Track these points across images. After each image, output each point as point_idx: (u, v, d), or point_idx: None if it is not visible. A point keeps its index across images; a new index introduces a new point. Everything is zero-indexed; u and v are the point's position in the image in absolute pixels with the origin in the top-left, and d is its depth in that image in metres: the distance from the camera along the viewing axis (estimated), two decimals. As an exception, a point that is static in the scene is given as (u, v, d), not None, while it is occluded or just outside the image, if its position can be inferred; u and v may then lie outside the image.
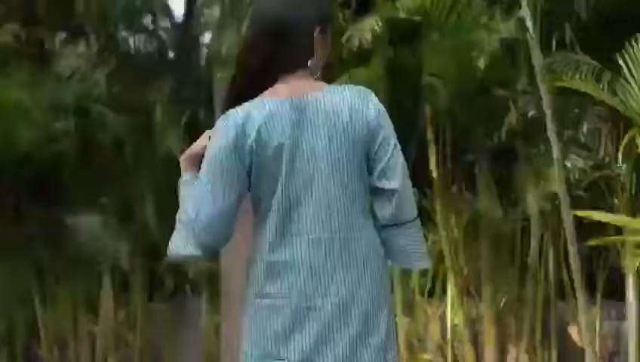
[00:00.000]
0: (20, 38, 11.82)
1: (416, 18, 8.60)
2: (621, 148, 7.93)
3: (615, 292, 9.36)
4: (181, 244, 3.00)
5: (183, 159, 3.12)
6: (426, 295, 10.15)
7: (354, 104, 2.92)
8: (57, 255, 11.53)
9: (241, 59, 3.01)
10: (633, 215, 8.46)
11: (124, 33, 11.53)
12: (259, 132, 2.86)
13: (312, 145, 2.88)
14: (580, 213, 7.94)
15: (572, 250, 8.69)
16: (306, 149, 2.88)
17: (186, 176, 3.06)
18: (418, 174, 6.91)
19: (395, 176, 2.94)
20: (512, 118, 8.74)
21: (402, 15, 8.59)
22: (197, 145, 3.09)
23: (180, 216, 3.03)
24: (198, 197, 2.93)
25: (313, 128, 2.90)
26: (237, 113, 2.89)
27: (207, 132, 3.09)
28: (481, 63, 8.89)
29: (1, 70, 11.21)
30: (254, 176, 2.91)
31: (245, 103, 2.90)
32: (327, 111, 2.91)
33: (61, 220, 11.26)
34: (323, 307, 2.88)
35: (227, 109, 2.96)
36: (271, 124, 2.87)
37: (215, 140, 2.91)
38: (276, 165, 2.88)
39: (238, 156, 2.88)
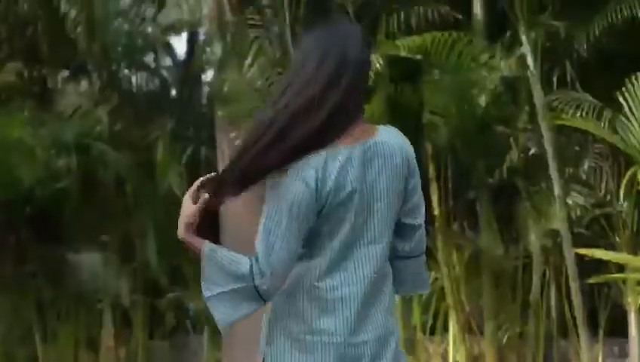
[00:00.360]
0: (23, 76, 11.85)
1: (417, 56, 8.55)
2: (622, 186, 7.88)
3: (618, 329, 9.28)
4: (230, 311, 2.95)
5: (184, 233, 3.06)
6: (427, 332, 10.07)
7: (401, 145, 3.00)
8: (58, 292, 11.48)
9: (305, 108, 2.88)
10: (635, 252, 8.41)
11: (126, 71, 11.52)
12: (336, 178, 2.87)
13: (377, 188, 2.94)
14: (582, 251, 7.90)
15: (574, 286, 8.68)
16: (372, 192, 2.93)
17: (206, 249, 3.00)
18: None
19: (421, 213, 3.07)
20: (513, 156, 8.69)
21: (403, 54, 8.54)
22: (187, 214, 3.06)
23: (213, 287, 2.96)
24: (268, 245, 2.88)
25: (378, 171, 2.94)
26: (316, 160, 2.87)
27: (186, 198, 3.07)
28: (482, 101, 8.87)
29: (4, 108, 11.21)
30: (321, 218, 2.92)
31: (319, 150, 2.88)
32: (385, 153, 2.96)
33: (62, 257, 11.20)
34: (368, 342, 2.94)
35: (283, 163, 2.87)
36: (345, 170, 2.88)
37: (294, 187, 2.87)
38: (345, 209, 2.91)
39: (316, 202, 2.88)
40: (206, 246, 3.00)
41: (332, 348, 2.91)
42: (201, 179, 3.09)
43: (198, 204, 3.06)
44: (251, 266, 2.88)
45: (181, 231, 3.07)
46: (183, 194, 7.38)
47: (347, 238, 2.93)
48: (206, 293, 2.97)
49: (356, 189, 2.89)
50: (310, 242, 2.95)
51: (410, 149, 3.02)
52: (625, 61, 8.50)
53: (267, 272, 2.87)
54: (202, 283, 2.98)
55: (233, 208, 10.66)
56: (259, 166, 2.91)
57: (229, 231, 10.66)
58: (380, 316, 2.97)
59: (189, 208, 3.06)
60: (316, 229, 2.93)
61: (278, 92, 2.95)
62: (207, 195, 3.04)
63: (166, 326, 11.54)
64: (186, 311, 11.10)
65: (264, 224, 2.90)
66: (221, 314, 2.96)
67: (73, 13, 9.64)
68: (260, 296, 2.91)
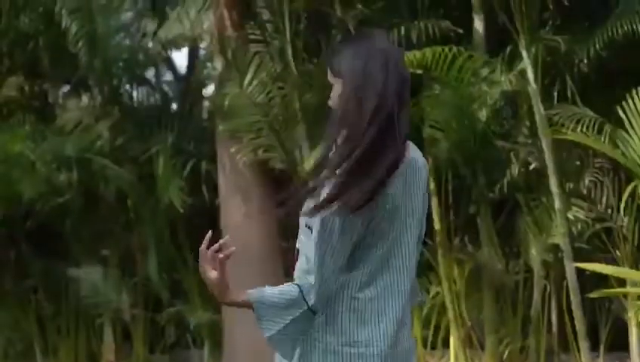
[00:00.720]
0: (24, 90, 11.83)
1: (418, 71, 8.53)
2: (623, 200, 7.84)
3: (619, 343, 9.23)
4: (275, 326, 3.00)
5: (225, 298, 3.07)
6: (428, 346, 10.01)
7: (424, 161, 3.11)
8: (59, 306, 11.44)
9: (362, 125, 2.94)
10: (635, 267, 8.37)
11: (127, 86, 11.50)
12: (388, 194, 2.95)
13: (412, 204, 3.03)
14: (582, 266, 7.87)
15: (575, 301, 8.64)
16: (410, 208, 3.02)
17: (252, 297, 3.01)
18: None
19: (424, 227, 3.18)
20: (513, 170, 8.67)
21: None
22: (215, 283, 3.06)
23: (272, 325, 3.00)
24: (320, 256, 2.94)
25: (415, 188, 3.03)
26: None
27: (205, 267, 3.07)
28: (483, 116, 8.85)
29: (5, 123, 11.20)
30: (366, 231, 2.97)
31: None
32: (419, 170, 3.05)
33: (63, 272, 11.15)
34: (402, 351, 3.03)
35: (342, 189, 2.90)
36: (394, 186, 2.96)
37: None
38: (389, 223, 2.98)
39: (366, 219, 2.94)
40: (250, 295, 3.01)
41: (371, 360, 2.94)
42: (210, 247, 3.08)
43: (218, 272, 3.05)
44: (300, 289, 2.94)
45: (222, 299, 3.08)
46: (183, 208, 7.40)
47: (386, 251, 3.00)
48: (266, 334, 2.99)
49: (400, 205, 2.98)
50: (352, 254, 2.99)
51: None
52: (625, 76, 8.49)
53: (318, 285, 2.91)
54: (259, 325, 2.99)
55: (233, 220, 10.57)
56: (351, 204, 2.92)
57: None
58: (407, 329, 3.07)
59: (212, 276, 3.06)
60: (359, 241, 2.98)
61: (350, 109, 2.99)
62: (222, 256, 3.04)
63: (166, 341, 11.47)
64: (186, 325, 11.03)
65: (318, 235, 2.93)
66: (288, 348, 3.01)
67: (74, 28, 9.59)
68: (313, 313, 2.97)
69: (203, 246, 3.08)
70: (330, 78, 3.15)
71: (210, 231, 3.11)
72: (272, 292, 2.99)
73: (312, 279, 2.93)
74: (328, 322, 2.98)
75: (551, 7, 8.65)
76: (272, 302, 2.97)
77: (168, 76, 12.48)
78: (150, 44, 11.75)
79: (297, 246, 3.17)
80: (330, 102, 3.15)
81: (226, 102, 9.62)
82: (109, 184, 10.54)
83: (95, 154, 10.50)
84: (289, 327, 2.97)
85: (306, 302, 2.93)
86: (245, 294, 3.01)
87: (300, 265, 3.08)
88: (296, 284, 2.96)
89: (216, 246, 3.09)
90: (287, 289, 2.97)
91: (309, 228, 3.05)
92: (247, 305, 3.01)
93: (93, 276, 10.79)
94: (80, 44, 9.69)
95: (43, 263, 11.57)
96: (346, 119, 2.99)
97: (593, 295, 7.46)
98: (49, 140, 10.23)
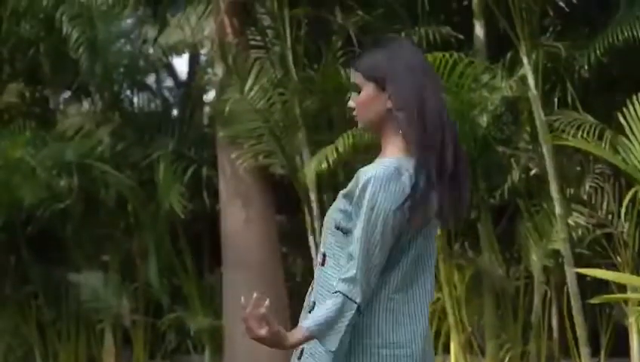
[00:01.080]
0: (25, 96, 11.80)
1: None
2: (624, 206, 7.82)
3: (620, 349, 9.20)
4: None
5: (287, 345, 3.03)
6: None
7: None
8: (59, 312, 11.41)
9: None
10: (636, 272, 8.34)
11: (127, 92, 11.47)
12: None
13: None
14: (582, 271, 7.84)
15: (575, 306, 8.61)
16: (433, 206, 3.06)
17: (305, 329, 3.01)
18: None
19: None
20: (514, 176, 8.64)
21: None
22: (263, 333, 3.00)
23: (333, 339, 3.00)
24: (364, 252, 2.99)
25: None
26: (405, 170, 3.03)
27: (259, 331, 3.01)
28: (483, 121, 8.83)
29: (6, 129, 11.16)
30: (402, 229, 3.04)
31: (399, 161, 3.06)
32: None
33: (63, 277, 11.12)
34: (430, 350, 3.11)
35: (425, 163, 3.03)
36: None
37: (393, 198, 3.00)
38: (424, 222, 3.05)
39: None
40: (306, 328, 3.00)
41: (404, 361, 3.00)
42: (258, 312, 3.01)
43: (268, 328, 3.00)
44: (343, 295, 2.94)
45: (283, 348, 3.05)
46: (184, 213, 7.38)
47: (417, 251, 3.06)
48: (332, 348, 2.99)
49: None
50: (390, 253, 3.04)
51: None
52: (626, 82, 8.47)
53: (363, 281, 2.94)
54: (324, 346, 2.98)
55: (233, 226, 10.50)
56: None
57: (230, 248, 10.57)
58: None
59: (264, 333, 3.01)
60: (396, 240, 3.04)
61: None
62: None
63: (167, 346, 11.44)
64: (187, 331, 10.99)
65: (363, 232, 2.98)
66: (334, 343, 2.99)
67: (75, 34, 9.55)
68: (359, 313, 2.98)
69: (246, 312, 3.01)
70: (359, 81, 3.21)
71: (253, 296, 3.03)
72: (321, 311, 2.99)
73: (352, 273, 2.96)
74: (365, 323, 3.02)
75: (551, 13, 8.62)
76: (327, 318, 2.96)
77: (169, 82, 12.44)
78: (151, 50, 11.72)
79: (322, 250, 3.18)
80: (355, 105, 3.24)
81: (227, 108, 9.58)
82: (109, 190, 10.49)
83: (95, 159, 10.46)
84: (347, 333, 2.98)
85: (354, 301, 2.95)
86: (301, 330, 3.00)
87: (330, 270, 3.11)
88: (336, 292, 2.97)
89: (255, 307, 3.02)
90: (331, 301, 2.98)
91: (339, 229, 3.09)
92: (309, 338, 3.01)
93: (93, 281, 10.76)
94: (81, 50, 9.61)
95: (43, 269, 11.54)
96: (417, 120, 3.09)
97: (594, 301, 7.43)
98: (49, 146, 10.19)
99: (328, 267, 3.14)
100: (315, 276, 3.21)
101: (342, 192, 3.15)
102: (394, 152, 3.14)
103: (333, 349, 2.98)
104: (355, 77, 3.25)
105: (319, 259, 3.20)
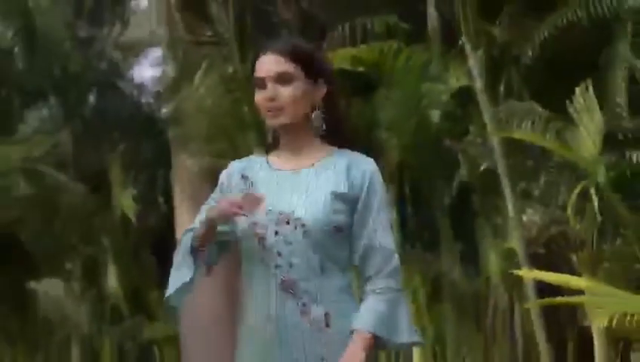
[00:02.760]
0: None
1: (361, 69, 8.07)
2: (572, 199, 7.30)
3: (587, 350, 8.67)
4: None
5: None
6: (392, 359, 9.55)
7: None
8: (26, 320, 11.15)
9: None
10: (594, 273, 7.80)
11: (86, 95, 11.16)
12: None
13: None
14: (534, 275, 7.36)
15: (534, 310, 8.12)
16: None
17: (376, 330, 2.95)
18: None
19: None
20: (464, 171, 8.15)
21: (347, 66, 8.05)
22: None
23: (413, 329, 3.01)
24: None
25: None
26: None
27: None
28: (434, 114, 8.38)
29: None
30: None
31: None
32: None
33: (25, 286, 10.84)
34: None
35: None
36: None
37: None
38: None
39: None
40: (374, 331, 2.91)
41: None
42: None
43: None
44: (395, 291, 2.90)
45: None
46: (136, 217, 7.04)
47: None
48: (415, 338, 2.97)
49: None
50: None
51: None
52: (573, 68, 7.98)
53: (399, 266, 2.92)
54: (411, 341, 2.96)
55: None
56: None
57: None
58: None
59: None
60: None
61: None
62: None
63: (132, 355, 11.12)
64: (149, 339, 10.67)
65: (388, 220, 2.99)
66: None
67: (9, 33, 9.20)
68: None
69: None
70: (291, 70, 2.99)
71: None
72: (377, 312, 2.90)
73: (395, 264, 2.89)
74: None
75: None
76: (398, 315, 2.91)
77: (128, 83, 12.10)
78: (111, 52, 11.41)
79: (316, 255, 2.98)
80: (285, 97, 2.98)
81: (175, 108, 9.24)
82: (62, 195, 10.18)
83: (50, 164, 10.16)
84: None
85: (400, 290, 2.91)
86: (364, 337, 2.87)
87: (334, 273, 2.99)
88: (388, 288, 2.88)
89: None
90: (386, 296, 2.90)
91: (338, 229, 2.95)
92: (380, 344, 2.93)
93: (53, 290, 10.46)
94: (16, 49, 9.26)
95: (7, 277, 11.28)
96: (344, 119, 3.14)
97: (528, 306, 6.95)
98: (3, 150, 9.87)
99: (330, 271, 2.96)
100: (305, 288, 2.96)
101: (331, 193, 2.97)
102: (331, 146, 3.06)
103: (418, 340, 2.95)
104: (286, 65, 2.99)
105: (315, 267, 2.99)
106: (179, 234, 10.00)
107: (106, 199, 10.08)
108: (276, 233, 2.97)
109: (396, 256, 2.90)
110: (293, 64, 2.97)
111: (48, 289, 10.37)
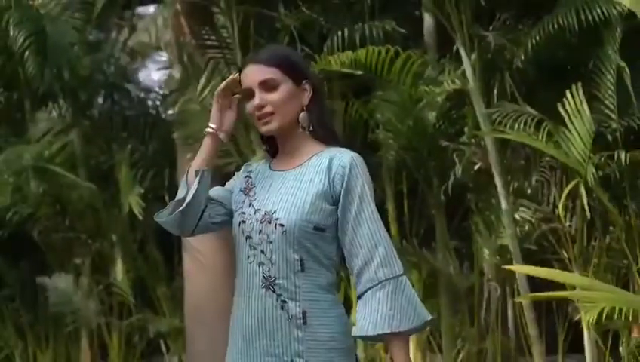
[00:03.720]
0: (1, 103, 11.54)
1: (360, 72, 8.11)
2: (562, 198, 7.34)
3: (578, 345, 8.70)
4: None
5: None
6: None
7: None
8: (36, 315, 11.15)
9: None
10: (584, 268, 7.85)
11: (95, 98, 11.16)
12: None
13: None
14: (526, 270, 7.38)
15: (526, 304, 8.17)
16: None
17: (393, 328, 3.10)
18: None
19: None
20: (460, 171, 8.19)
21: (346, 69, 8.07)
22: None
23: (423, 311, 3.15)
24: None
25: None
26: None
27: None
28: (431, 116, 8.42)
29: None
30: None
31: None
32: None
33: (36, 281, 10.84)
34: None
35: None
36: None
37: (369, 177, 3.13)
38: None
39: None
40: (396, 340, 3.01)
41: None
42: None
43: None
44: (389, 279, 2.93)
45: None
46: (141, 214, 7.27)
47: None
48: (428, 317, 3.11)
49: None
50: None
51: None
52: (564, 73, 8.03)
53: (393, 253, 2.99)
54: (417, 323, 3.04)
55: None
56: None
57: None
58: None
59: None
60: None
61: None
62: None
63: (139, 348, 11.11)
64: (158, 332, 10.67)
65: (375, 214, 3.01)
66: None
67: (20, 39, 9.17)
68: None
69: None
70: (277, 77, 3.11)
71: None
72: (383, 304, 2.96)
73: (382, 254, 2.94)
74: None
75: (483, 3, 8.14)
76: (394, 306, 2.96)
77: (135, 86, 12.12)
78: (119, 56, 11.42)
79: (296, 256, 3.04)
80: (274, 102, 3.12)
81: (176, 109, 9.28)
82: (71, 193, 10.20)
83: (61, 164, 10.17)
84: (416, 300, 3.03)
85: (399, 276, 2.95)
86: (395, 343, 2.98)
87: (314, 272, 3.03)
88: (381, 282, 2.93)
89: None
90: (381, 292, 2.95)
91: (319, 229, 3.00)
92: (405, 337, 3.04)
93: (62, 284, 10.46)
94: (27, 54, 9.23)
95: (19, 273, 11.31)
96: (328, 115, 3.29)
97: (520, 299, 6.97)
98: (9, 150, 9.90)
99: (311, 269, 3.01)
100: (284, 286, 3.03)
101: (313, 195, 3.03)
102: (321, 144, 3.16)
103: (429, 318, 3.05)
104: (270, 72, 3.12)
105: (295, 266, 3.04)
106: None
107: (113, 197, 10.06)
108: (260, 232, 3.02)
109: (385, 243, 2.84)
110: (276, 70, 3.05)
111: (58, 284, 10.34)
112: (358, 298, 3.05)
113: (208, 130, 3.27)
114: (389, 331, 2.92)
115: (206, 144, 3.26)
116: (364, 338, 2.99)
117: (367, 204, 3.00)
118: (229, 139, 3.31)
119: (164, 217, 3.30)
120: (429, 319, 2.99)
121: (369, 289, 2.96)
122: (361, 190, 3.01)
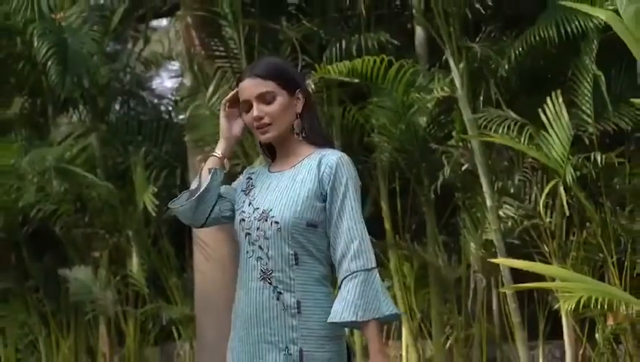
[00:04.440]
0: (25, 108, 11.57)
1: (356, 80, 8.12)
2: (543, 197, 7.36)
3: (558, 332, 8.72)
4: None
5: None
6: (383, 338, 9.55)
7: None
8: (59, 304, 11.18)
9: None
10: (564, 261, 7.86)
11: (112, 103, 11.19)
12: None
13: None
14: (509, 263, 7.42)
15: (509, 294, 8.19)
16: None
17: (376, 315, 3.10)
18: (373, 226, 6.37)
19: None
20: (446, 172, 8.21)
21: (343, 77, 8.08)
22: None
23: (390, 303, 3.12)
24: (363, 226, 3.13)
25: None
26: None
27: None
28: (422, 121, 8.44)
29: (6, 138, 10.94)
30: None
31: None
32: None
33: (58, 273, 10.85)
34: None
35: None
36: None
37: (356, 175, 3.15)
38: None
39: None
40: (368, 328, 2.98)
41: None
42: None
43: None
44: (361, 271, 2.93)
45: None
46: (160, 212, 7.30)
47: None
48: (394, 310, 3.04)
49: None
50: None
51: None
52: (546, 80, 8.05)
53: (368, 248, 2.96)
54: (382, 316, 2.99)
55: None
56: None
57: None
58: None
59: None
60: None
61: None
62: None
63: (152, 334, 11.13)
64: (171, 319, 10.68)
65: (357, 208, 3.00)
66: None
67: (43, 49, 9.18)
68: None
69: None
70: (273, 89, 3.11)
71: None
72: (350, 296, 2.95)
73: (356, 247, 2.94)
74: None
75: (483, 14, 8.15)
76: (361, 295, 2.93)
77: (150, 93, 12.14)
78: (135, 65, 11.45)
79: (290, 251, 3.04)
80: (272, 113, 3.12)
81: (187, 114, 9.32)
82: (91, 192, 10.23)
83: (81, 165, 10.20)
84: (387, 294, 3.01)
85: (371, 269, 2.93)
86: (369, 328, 2.95)
87: (308, 266, 3.03)
88: (354, 273, 2.93)
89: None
90: (352, 282, 2.94)
91: (311, 225, 3.00)
92: (373, 325, 2.98)
93: (81, 276, 10.47)
94: (49, 63, 9.23)
95: (42, 265, 11.36)
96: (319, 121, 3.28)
97: (504, 290, 6.98)
98: (32, 152, 9.93)
99: (305, 263, 3.02)
100: (280, 278, 3.04)
101: (305, 193, 3.04)
102: (314, 147, 3.16)
103: (395, 311, 2.98)
104: (266, 86, 3.12)
105: (289, 260, 3.04)
106: (194, 229, 10.09)
107: (129, 195, 10.08)
108: (258, 229, 3.03)
109: (360, 238, 2.83)
110: (272, 82, 3.07)
111: (78, 275, 10.36)
112: (337, 288, 3.07)
113: (215, 154, 3.31)
114: (354, 319, 2.91)
115: (211, 162, 3.27)
116: (339, 325, 2.99)
117: (349, 201, 2.99)
118: (237, 143, 3.37)
119: (178, 205, 3.33)
120: (392, 313, 2.95)
121: (344, 279, 2.98)
122: (345, 188, 3.01)
